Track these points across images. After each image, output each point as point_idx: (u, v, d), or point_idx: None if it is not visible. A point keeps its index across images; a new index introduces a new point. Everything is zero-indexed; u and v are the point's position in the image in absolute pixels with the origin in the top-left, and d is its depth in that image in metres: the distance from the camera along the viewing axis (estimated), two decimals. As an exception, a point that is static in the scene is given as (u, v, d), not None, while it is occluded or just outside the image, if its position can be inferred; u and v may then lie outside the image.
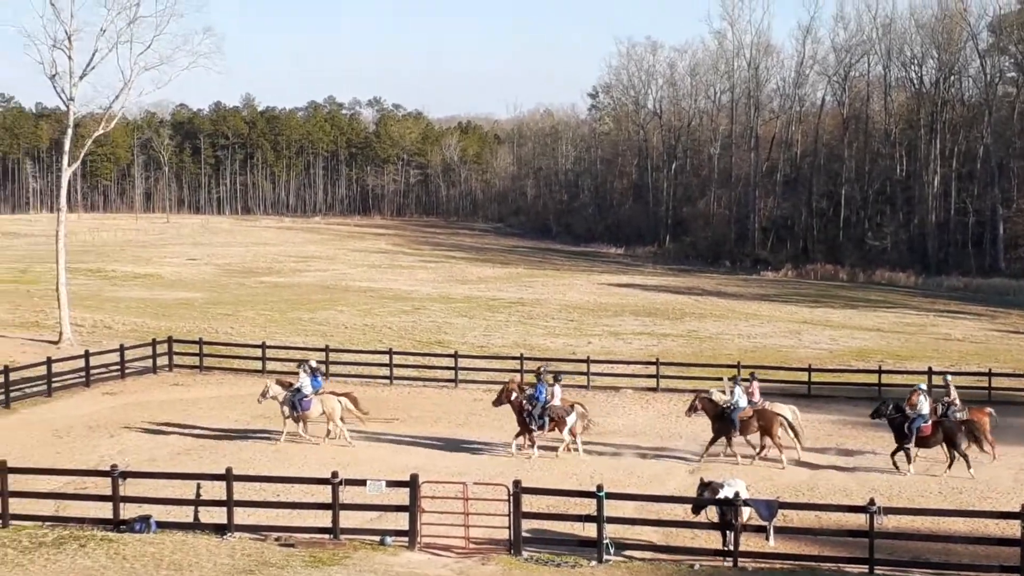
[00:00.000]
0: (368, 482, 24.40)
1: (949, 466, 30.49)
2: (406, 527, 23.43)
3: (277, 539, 23.50)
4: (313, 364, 36.00)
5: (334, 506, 23.71)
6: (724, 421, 32.67)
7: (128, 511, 24.15)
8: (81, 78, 54.33)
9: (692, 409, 33.93)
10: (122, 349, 46.44)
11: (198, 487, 24.81)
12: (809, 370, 45.91)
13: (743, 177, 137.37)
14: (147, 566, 21.11)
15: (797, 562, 23.03)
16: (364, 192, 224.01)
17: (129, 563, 21.25)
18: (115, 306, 67.60)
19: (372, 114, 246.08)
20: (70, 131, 55.93)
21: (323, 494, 24.44)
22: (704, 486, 23.85)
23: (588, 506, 23.77)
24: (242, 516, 24.18)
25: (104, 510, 24.35)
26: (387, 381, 46.13)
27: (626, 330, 64.78)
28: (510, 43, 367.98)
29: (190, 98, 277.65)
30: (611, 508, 23.53)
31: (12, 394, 39.77)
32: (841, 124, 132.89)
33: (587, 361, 47.37)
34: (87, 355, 44.48)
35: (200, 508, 24.45)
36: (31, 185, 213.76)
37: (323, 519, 23.96)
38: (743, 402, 32.64)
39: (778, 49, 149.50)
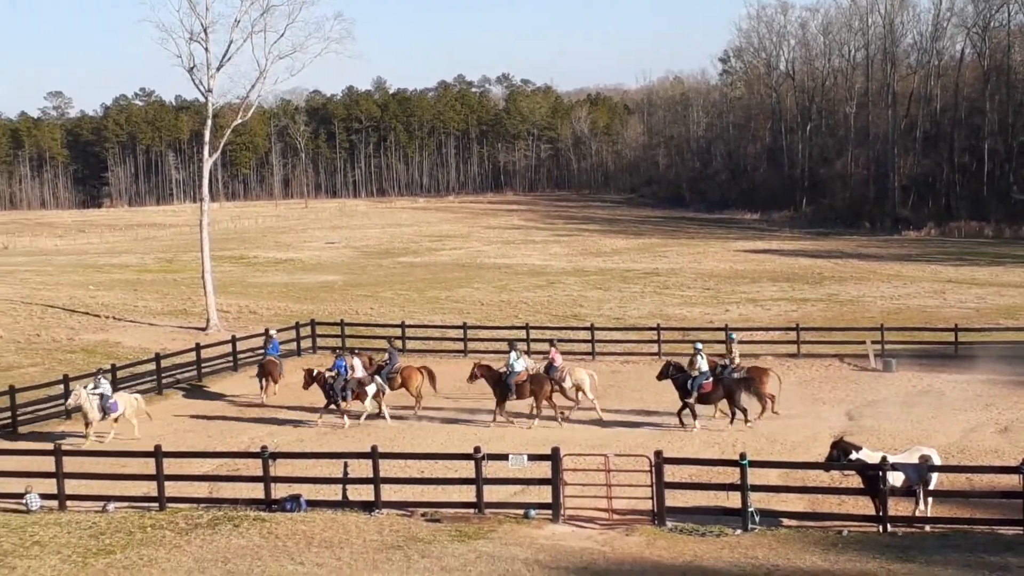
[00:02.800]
0: (510, 456, 24.61)
1: (731, 420, 32.40)
2: (549, 500, 23.58)
3: (424, 514, 23.86)
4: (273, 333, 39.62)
5: (478, 481, 23.97)
6: (502, 386, 33.72)
7: (279, 491, 24.77)
8: (218, 69, 55.74)
9: (473, 377, 34.83)
10: (267, 333, 47.47)
11: (345, 466, 25.33)
12: (956, 330, 44.83)
13: (881, 135, 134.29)
14: (299, 544, 21.65)
15: (949, 526, 22.56)
16: (496, 169, 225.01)
17: (282, 541, 21.81)
18: (258, 291, 69.21)
19: (501, 91, 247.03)
20: (209, 122, 57.30)
21: (467, 469, 24.73)
22: (836, 447, 23.52)
23: (731, 475, 23.62)
24: (389, 493, 24.61)
25: (256, 491, 25.04)
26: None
27: (764, 296, 64.01)
28: (637, 12, 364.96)
29: (323, 84, 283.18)
30: (755, 476, 23.35)
31: (164, 380, 41.02)
32: (982, 76, 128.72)
33: (725, 329, 46.83)
34: (234, 340, 45.65)
35: (348, 486, 24.97)
36: (174, 176, 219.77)
37: (467, 494, 24.24)
38: (519, 366, 33.86)
39: (914, 3, 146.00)
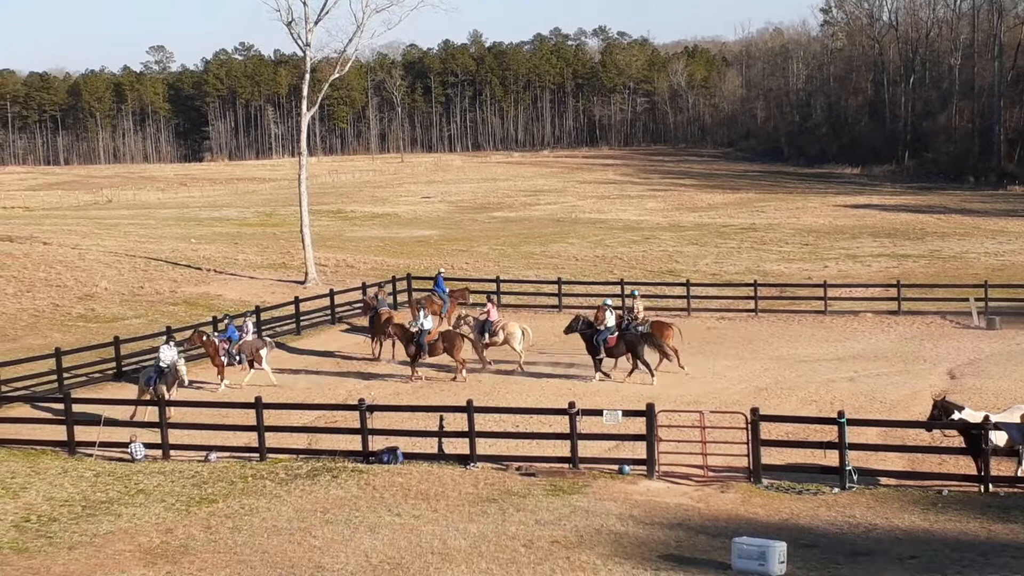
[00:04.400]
0: (605, 412, 24.64)
1: (630, 373, 33.43)
2: (644, 456, 23.57)
3: (518, 468, 24.00)
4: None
5: (572, 436, 24.03)
6: (415, 344, 34.50)
7: (376, 443, 25.09)
8: (316, 23, 56.11)
9: (385, 335, 36.11)
10: (364, 287, 48.03)
11: (441, 419, 25.56)
12: (1063, 287, 43.77)
13: (987, 88, 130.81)
14: (396, 496, 21.92)
15: (1053, 488, 22.15)
16: (591, 123, 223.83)
17: (379, 493, 22.10)
18: (355, 245, 69.87)
19: (597, 44, 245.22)
20: (307, 76, 57.74)
21: (561, 424, 24.81)
22: (937, 406, 23.16)
23: (829, 433, 23.39)
24: (484, 447, 24.77)
25: (354, 442, 25.37)
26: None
27: (864, 252, 63.05)
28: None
29: (420, 38, 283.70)
30: (853, 434, 23.09)
31: (263, 333, 41.65)
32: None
33: (824, 285, 46.37)
34: (332, 294, 46.19)
35: (444, 439, 25.20)
36: (272, 131, 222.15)
37: (562, 449, 24.33)
38: (428, 324, 35.04)
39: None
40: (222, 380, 34.16)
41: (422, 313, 35.66)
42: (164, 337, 35.43)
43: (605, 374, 33.78)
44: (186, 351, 34.52)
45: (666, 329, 35.01)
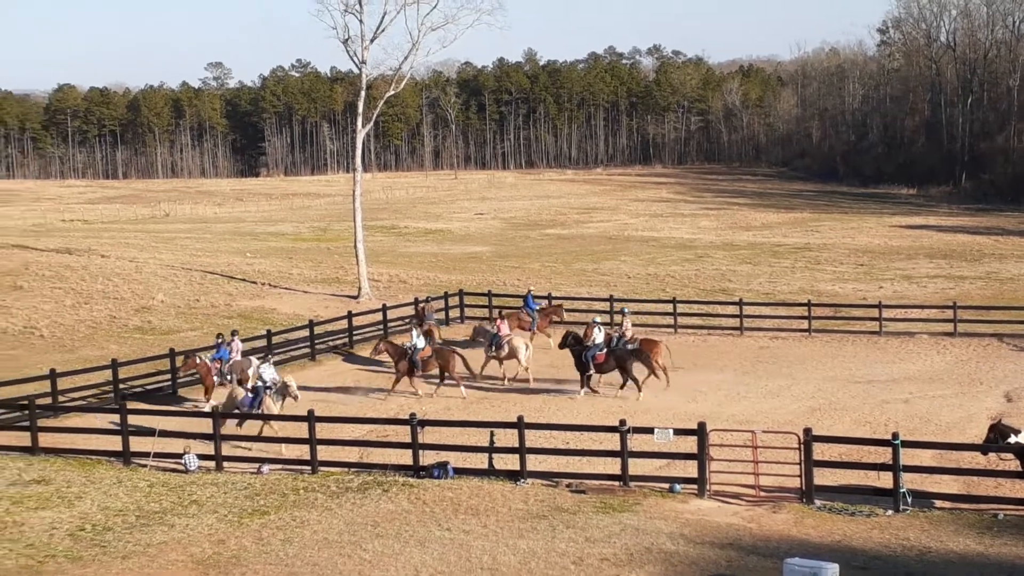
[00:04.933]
0: (656, 430, 24.56)
1: (621, 386, 33.96)
2: (695, 475, 23.46)
3: (568, 485, 23.97)
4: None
5: (623, 453, 23.97)
6: (408, 361, 34.94)
7: (427, 458, 25.15)
8: (372, 41, 56.50)
9: (376, 351, 36.43)
10: (416, 303, 48.20)
11: (491, 435, 25.60)
12: (1123, 311, 43.11)
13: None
14: (446, 510, 21.97)
15: (1111, 514, 21.81)
16: (644, 141, 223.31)
17: (429, 507, 22.16)
18: (408, 261, 70.18)
19: (651, 62, 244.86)
20: (363, 93, 58.14)
21: (612, 442, 24.76)
22: (994, 429, 22.90)
23: (883, 454, 23.17)
24: (534, 463, 24.77)
25: (404, 457, 25.46)
26: (671, 330, 46.13)
27: (920, 273, 62.46)
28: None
29: (475, 56, 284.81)
30: (907, 456, 22.87)
31: (317, 347, 41.93)
32: None
33: (879, 306, 45.96)
34: (384, 309, 46.39)
35: (494, 455, 25.22)
36: (328, 147, 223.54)
37: (612, 466, 24.27)
38: (421, 343, 35.29)
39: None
40: (208, 400, 33.46)
41: (416, 332, 36.28)
42: (261, 356, 34.82)
43: (592, 390, 34.40)
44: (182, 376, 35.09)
45: (654, 346, 35.41)
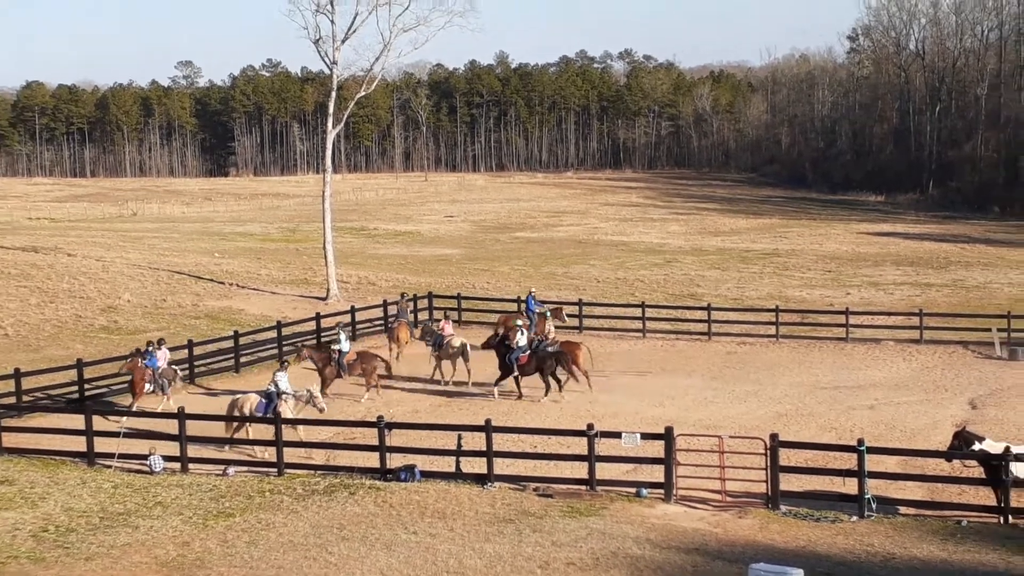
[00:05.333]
0: (623, 435, 24.59)
1: (546, 393, 33.88)
2: (662, 479, 23.50)
3: (535, 489, 23.97)
4: None
5: (590, 458, 23.98)
6: (335, 364, 34.91)
7: (394, 461, 25.09)
8: (343, 42, 56.35)
9: (300, 358, 35.63)
10: (385, 305, 48.14)
11: (459, 438, 25.55)
12: (1086, 320, 43.48)
13: (1013, 118, 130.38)
14: (412, 513, 21.92)
15: (1073, 521, 22.00)
16: (615, 145, 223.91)
17: (396, 510, 22.12)
18: (377, 263, 70.04)
19: (623, 67, 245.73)
20: (333, 94, 58.00)
21: (579, 446, 24.76)
22: (958, 437, 23.07)
23: (848, 461, 23.29)
24: (501, 466, 24.77)
25: (371, 460, 25.38)
26: (640, 334, 46.23)
27: (887, 280, 62.86)
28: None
29: (446, 58, 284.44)
30: (872, 463, 22.99)
31: (284, 348, 41.75)
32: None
33: (846, 312, 46.24)
34: (353, 311, 46.28)
35: (462, 458, 25.19)
36: (298, 147, 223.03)
37: (579, 470, 24.27)
38: (347, 347, 35.49)
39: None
40: (133, 404, 33.08)
41: (343, 335, 36.27)
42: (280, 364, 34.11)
43: (519, 392, 34.53)
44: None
45: (575, 349, 35.38)
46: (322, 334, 43.93)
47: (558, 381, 34.12)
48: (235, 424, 28.60)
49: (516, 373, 34.63)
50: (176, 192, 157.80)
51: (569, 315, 46.14)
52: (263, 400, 28.99)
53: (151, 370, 33.66)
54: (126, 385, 34.28)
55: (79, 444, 27.24)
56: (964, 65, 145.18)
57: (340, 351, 35.33)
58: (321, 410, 29.32)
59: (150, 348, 34.30)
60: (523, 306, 45.49)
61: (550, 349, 34.90)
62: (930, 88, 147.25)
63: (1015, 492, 22.15)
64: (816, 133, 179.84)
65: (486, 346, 36.28)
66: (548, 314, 41.19)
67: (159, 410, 32.19)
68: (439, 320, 40.67)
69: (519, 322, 36.69)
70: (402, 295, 47.27)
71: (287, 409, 28.71)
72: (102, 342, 43.28)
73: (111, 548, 19.98)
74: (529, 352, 34.60)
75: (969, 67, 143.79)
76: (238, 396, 29.76)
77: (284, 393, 29.11)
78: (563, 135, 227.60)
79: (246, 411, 28.56)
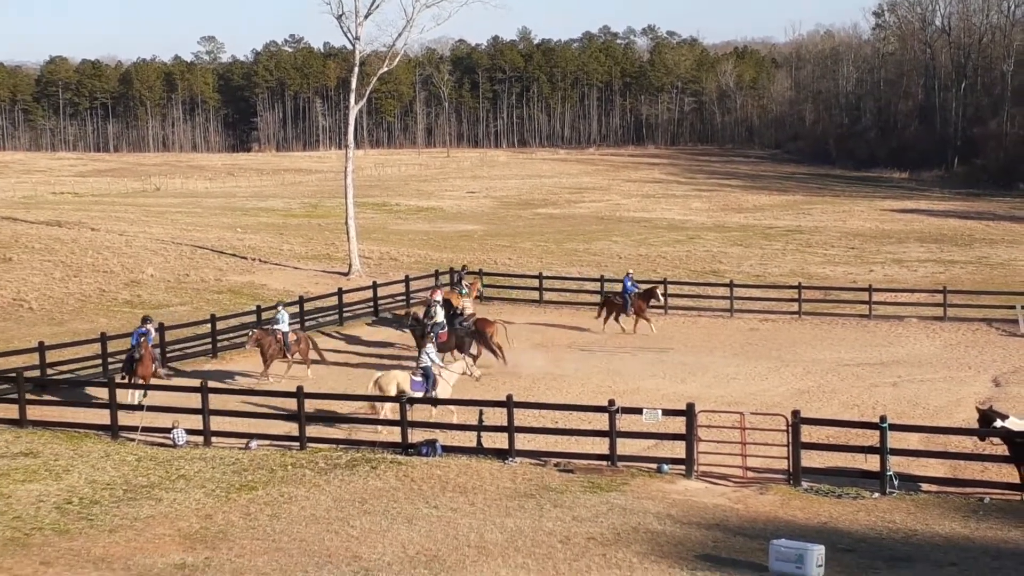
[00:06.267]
0: (644, 410, 24.57)
1: (503, 361, 34.81)
2: (683, 455, 23.49)
3: (556, 464, 23.98)
4: None
5: (611, 434, 23.98)
6: (281, 345, 34.62)
7: (415, 436, 25.16)
8: (366, 17, 56.32)
9: (251, 342, 35.03)
10: (407, 280, 48.17)
11: (480, 413, 25.60)
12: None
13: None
14: (434, 488, 21.97)
15: (1096, 499, 21.91)
16: (638, 122, 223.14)
17: (417, 485, 22.17)
18: (399, 239, 70.09)
19: (646, 43, 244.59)
20: (356, 69, 57.95)
21: (600, 422, 24.77)
22: (983, 415, 22.98)
23: (871, 437, 23.21)
24: (522, 442, 24.80)
25: (393, 434, 25.48)
26: (662, 311, 46.15)
27: (911, 257, 62.55)
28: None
29: (469, 33, 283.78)
30: (895, 440, 22.93)
31: (307, 323, 41.85)
32: None
33: (869, 290, 46.05)
34: (375, 286, 46.34)
35: (483, 433, 25.24)
36: (320, 123, 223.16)
37: (600, 446, 24.27)
38: (286, 326, 35.10)
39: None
40: (265, 373, 34.24)
41: (284, 314, 35.63)
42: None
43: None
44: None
45: (489, 326, 35.93)
46: (344, 309, 44.01)
47: (473, 357, 33.90)
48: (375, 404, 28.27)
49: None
50: (199, 167, 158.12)
51: (593, 291, 46.11)
52: (417, 378, 28.88)
53: (280, 335, 34.63)
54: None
55: (103, 417, 27.42)
56: (990, 41, 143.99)
57: (282, 330, 34.76)
58: (478, 378, 29.99)
59: (147, 324, 32.83)
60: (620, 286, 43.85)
61: (466, 325, 35.55)
62: (956, 64, 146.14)
63: (1039, 470, 22.05)
64: (840, 109, 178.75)
65: (402, 325, 36.50)
66: (465, 291, 41.70)
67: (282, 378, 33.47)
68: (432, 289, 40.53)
69: (437, 297, 36.62)
70: (463, 267, 47.18)
71: (446, 385, 28.93)
72: (126, 316, 43.45)
73: (134, 520, 20.10)
74: (447, 329, 34.95)
75: (995, 43, 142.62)
76: (380, 374, 29.76)
77: (439, 365, 29.40)
78: (586, 111, 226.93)
79: (392, 390, 28.35)
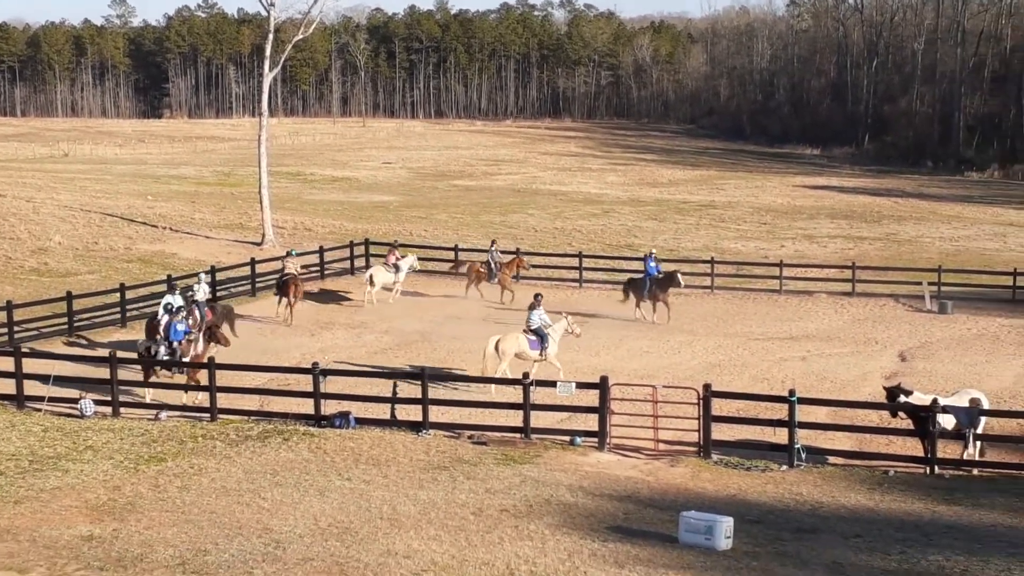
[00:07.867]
0: (558, 383, 24.73)
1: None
2: (596, 428, 23.67)
3: (470, 437, 24.04)
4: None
5: (525, 406, 24.08)
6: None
7: (328, 407, 25.04)
8: (281, -17, 55.44)
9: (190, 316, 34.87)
10: (321, 251, 47.84)
11: (394, 385, 25.54)
12: (1015, 274, 44.32)
13: (948, 74, 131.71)
14: (347, 460, 21.90)
15: (997, 470, 22.49)
16: (555, 95, 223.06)
17: (330, 457, 22.08)
18: (314, 209, 69.50)
19: (564, 15, 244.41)
20: (271, 36, 57.22)
21: (515, 394, 24.85)
22: (889, 392, 23.45)
23: (779, 411, 23.58)
24: (436, 414, 24.81)
25: (306, 406, 25.32)
26: (576, 284, 46.35)
27: (821, 233, 63.47)
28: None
29: (386, 2, 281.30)
30: (803, 413, 23.31)
31: (219, 294, 41.39)
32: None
33: (780, 265, 46.68)
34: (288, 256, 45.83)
35: (396, 406, 25.18)
36: (234, 90, 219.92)
37: (514, 419, 24.37)
38: (202, 296, 34.63)
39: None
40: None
41: (203, 285, 35.53)
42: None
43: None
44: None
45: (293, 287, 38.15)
46: (256, 280, 43.57)
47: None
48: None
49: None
50: (109, 133, 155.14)
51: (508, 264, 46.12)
52: (532, 337, 29.27)
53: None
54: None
55: (8, 387, 26.90)
56: (902, 20, 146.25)
57: (196, 300, 34.04)
58: (578, 335, 30.45)
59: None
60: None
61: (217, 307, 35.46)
62: (868, 42, 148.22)
63: (941, 443, 22.56)
64: (755, 86, 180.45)
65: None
66: (293, 253, 43.16)
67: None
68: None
69: (202, 275, 36.92)
70: (492, 241, 46.25)
71: (554, 344, 29.38)
72: (32, 284, 42.66)
73: (40, 491, 19.77)
74: (208, 308, 34.54)
75: (906, 22, 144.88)
76: (498, 336, 29.70)
77: (548, 325, 29.52)
78: (503, 83, 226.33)
79: (512, 351, 28.96)
